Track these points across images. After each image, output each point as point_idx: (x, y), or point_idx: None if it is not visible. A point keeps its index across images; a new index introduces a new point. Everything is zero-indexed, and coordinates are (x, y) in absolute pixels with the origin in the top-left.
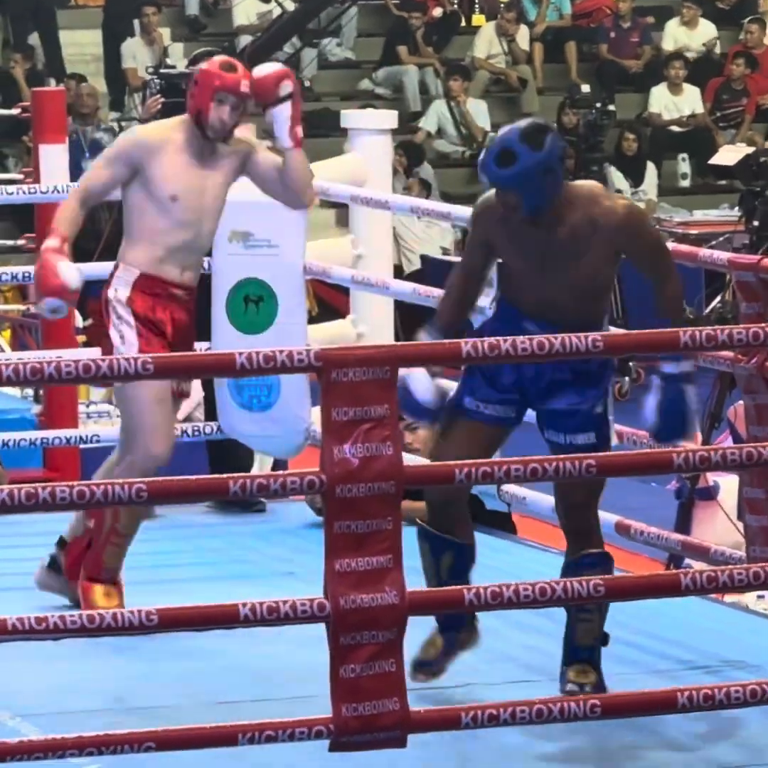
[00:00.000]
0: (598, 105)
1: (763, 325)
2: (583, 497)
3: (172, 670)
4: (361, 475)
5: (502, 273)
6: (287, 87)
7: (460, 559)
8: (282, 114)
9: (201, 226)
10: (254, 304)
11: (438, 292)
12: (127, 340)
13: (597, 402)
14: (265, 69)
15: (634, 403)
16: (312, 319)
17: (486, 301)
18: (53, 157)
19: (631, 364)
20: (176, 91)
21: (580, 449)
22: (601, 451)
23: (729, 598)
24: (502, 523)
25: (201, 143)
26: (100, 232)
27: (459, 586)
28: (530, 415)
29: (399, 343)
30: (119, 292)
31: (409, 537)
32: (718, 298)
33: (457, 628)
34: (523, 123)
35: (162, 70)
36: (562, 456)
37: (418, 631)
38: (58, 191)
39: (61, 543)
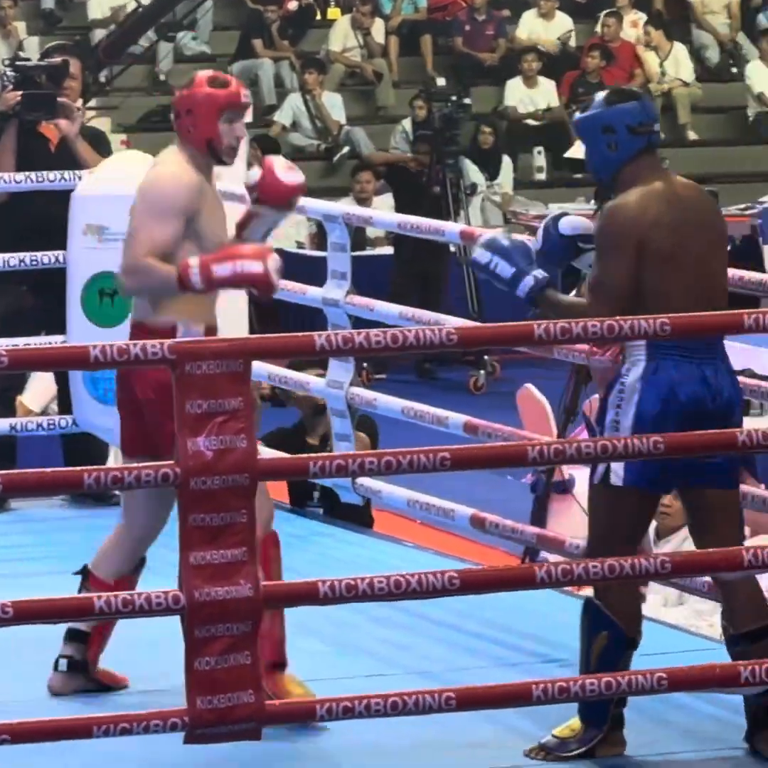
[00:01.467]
0: (454, 98)
1: (617, 318)
2: None
3: (27, 663)
4: (215, 468)
5: None
6: (297, 201)
7: (616, 646)
8: (276, 220)
9: None
10: (109, 297)
11: (292, 286)
12: None
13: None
14: (291, 176)
15: (489, 397)
16: None
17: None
18: None
19: (486, 357)
20: (32, 84)
21: None
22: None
23: (585, 591)
24: (358, 517)
25: (206, 169)
26: None
27: (314, 580)
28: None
29: (252, 336)
30: None
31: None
32: (574, 292)
33: (600, 726)
34: (626, 86)
35: (18, 63)
36: (415, 449)
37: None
38: None
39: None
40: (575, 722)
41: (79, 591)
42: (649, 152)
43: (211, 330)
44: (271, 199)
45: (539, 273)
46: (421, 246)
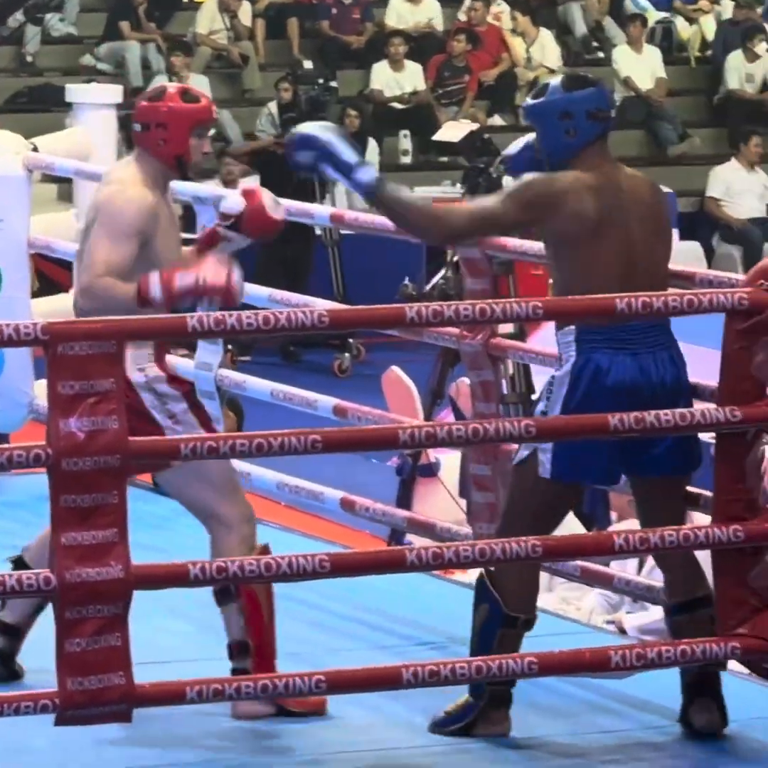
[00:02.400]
0: (320, 81)
1: (490, 301)
2: None
3: None
4: (86, 449)
5: None
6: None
7: (492, 621)
8: (241, 245)
9: None
10: None
11: None
12: (182, 419)
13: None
14: (278, 212)
15: (354, 380)
16: (33, 294)
17: None
18: None
19: (351, 340)
20: None
21: None
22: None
23: (457, 575)
24: None
25: (165, 184)
26: None
27: (184, 562)
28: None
29: (126, 317)
30: (147, 371)
31: (139, 509)
32: (440, 274)
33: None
34: (581, 72)
35: None
36: (287, 431)
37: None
38: None
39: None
40: (463, 698)
41: None
42: (602, 139)
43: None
44: (256, 233)
45: (373, 167)
46: (285, 229)
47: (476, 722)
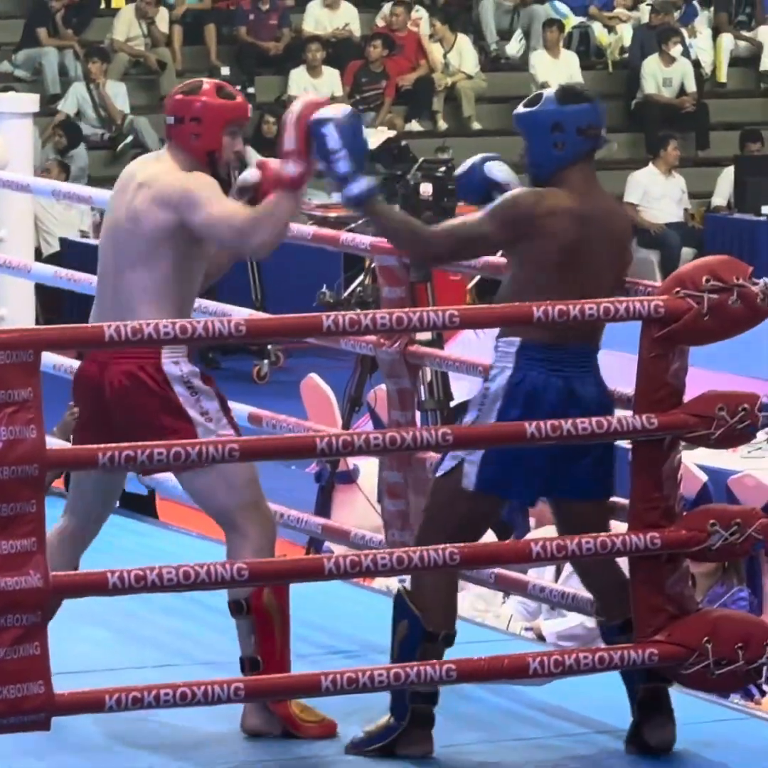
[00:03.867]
0: (238, 87)
1: (406, 309)
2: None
3: None
4: (4, 458)
5: None
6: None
7: (412, 637)
8: None
9: None
10: None
11: (79, 276)
12: (214, 417)
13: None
14: (290, 168)
15: (273, 386)
16: None
17: None
18: None
19: (269, 347)
20: None
21: None
22: None
23: (375, 582)
24: (142, 506)
25: None
26: None
27: (103, 570)
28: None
29: (43, 326)
30: (182, 365)
31: (56, 518)
32: (358, 281)
33: (401, 719)
34: (577, 85)
35: None
36: (204, 440)
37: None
38: None
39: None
40: (384, 718)
41: None
42: (589, 156)
43: None
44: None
45: (372, 180)
46: None
47: (397, 742)
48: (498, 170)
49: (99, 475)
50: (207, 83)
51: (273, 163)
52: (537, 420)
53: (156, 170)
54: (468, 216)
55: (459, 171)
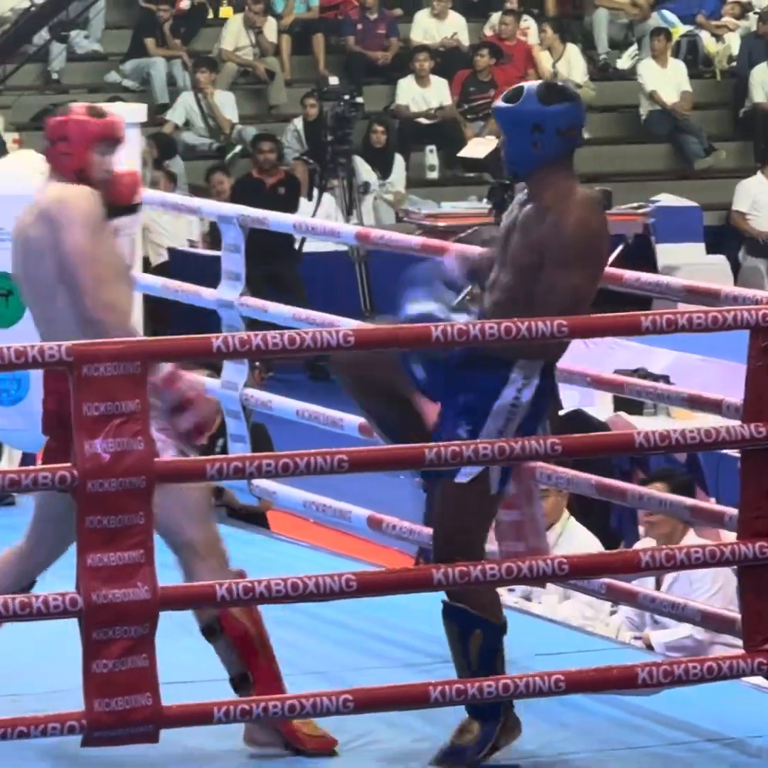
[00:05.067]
0: (346, 97)
1: (514, 320)
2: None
3: None
4: (112, 470)
5: None
6: (139, 196)
7: (493, 640)
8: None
9: None
10: (3, 298)
11: (187, 286)
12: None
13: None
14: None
15: None
16: None
17: None
18: None
19: None
20: None
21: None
22: None
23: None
24: (254, 518)
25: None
26: None
27: (211, 582)
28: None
29: (150, 338)
30: None
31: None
32: (466, 291)
33: (496, 717)
34: (560, 83)
35: None
36: (313, 451)
37: None
38: None
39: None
40: (469, 723)
41: None
42: (568, 157)
43: None
44: (116, 196)
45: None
46: (269, 247)
47: (499, 736)
48: (424, 307)
49: (60, 506)
50: (81, 105)
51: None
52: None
53: (44, 191)
54: (561, 282)
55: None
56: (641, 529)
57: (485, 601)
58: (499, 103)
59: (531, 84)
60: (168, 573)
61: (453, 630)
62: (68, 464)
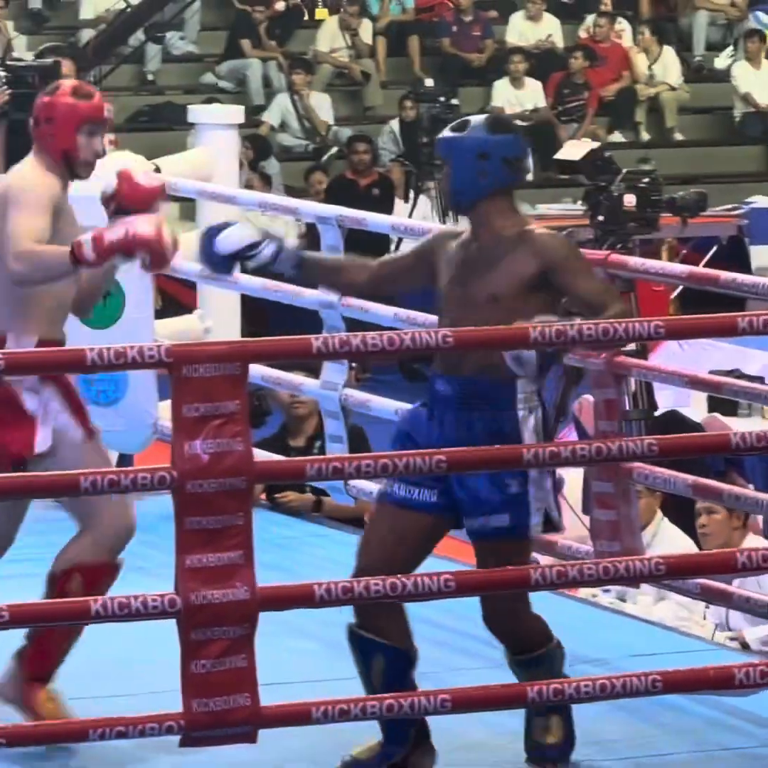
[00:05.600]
0: (442, 99)
1: (612, 321)
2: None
3: None
4: (211, 471)
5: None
6: (159, 204)
7: (392, 665)
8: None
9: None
10: (102, 298)
11: (285, 287)
12: (60, 422)
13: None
14: (149, 180)
15: None
16: (157, 314)
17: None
18: None
19: None
20: (23, 84)
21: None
22: (516, 535)
23: (580, 592)
24: (352, 519)
25: (63, 181)
26: None
27: (310, 582)
28: None
29: (250, 339)
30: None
31: (262, 529)
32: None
33: (403, 744)
34: (505, 115)
35: (9, 62)
36: (411, 452)
37: None
38: None
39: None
40: (373, 742)
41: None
42: (512, 188)
43: (52, 344)
44: (134, 204)
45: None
46: (364, 249)
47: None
48: (233, 241)
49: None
50: (66, 84)
51: (134, 172)
52: None
53: (16, 167)
54: (595, 276)
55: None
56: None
57: (393, 628)
58: (445, 133)
59: (477, 116)
60: (267, 574)
61: (356, 657)
62: (167, 465)
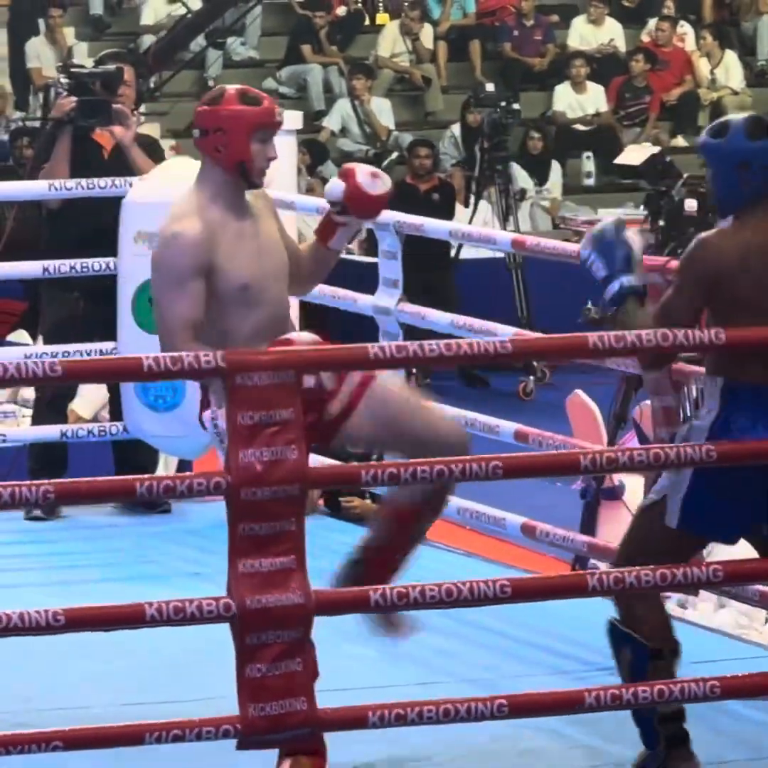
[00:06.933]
0: (503, 103)
1: (675, 330)
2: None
3: (79, 670)
4: (265, 479)
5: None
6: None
7: (639, 659)
8: (360, 226)
9: (277, 291)
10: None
11: (342, 292)
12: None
13: None
14: (377, 186)
15: (538, 402)
16: None
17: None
18: None
19: (536, 363)
20: (86, 90)
21: None
22: None
23: None
24: None
25: (232, 193)
26: (1, 231)
27: (364, 588)
28: None
29: (304, 347)
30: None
31: (317, 535)
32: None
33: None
34: (765, 117)
35: (72, 69)
36: (467, 458)
37: None
38: None
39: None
40: (639, 753)
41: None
42: None
43: None
44: (363, 212)
45: (628, 280)
46: (424, 255)
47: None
48: (631, 239)
49: None
50: (231, 90)
51: (358, 172)
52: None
53: (171, 211)
54: (664, 297)
55: (592, 241)
56: None
57: (646, 623)
58: (704, 137)
59: (736, 118)
60: (325, 579)
61: (610, 645)
62: (222, 471)
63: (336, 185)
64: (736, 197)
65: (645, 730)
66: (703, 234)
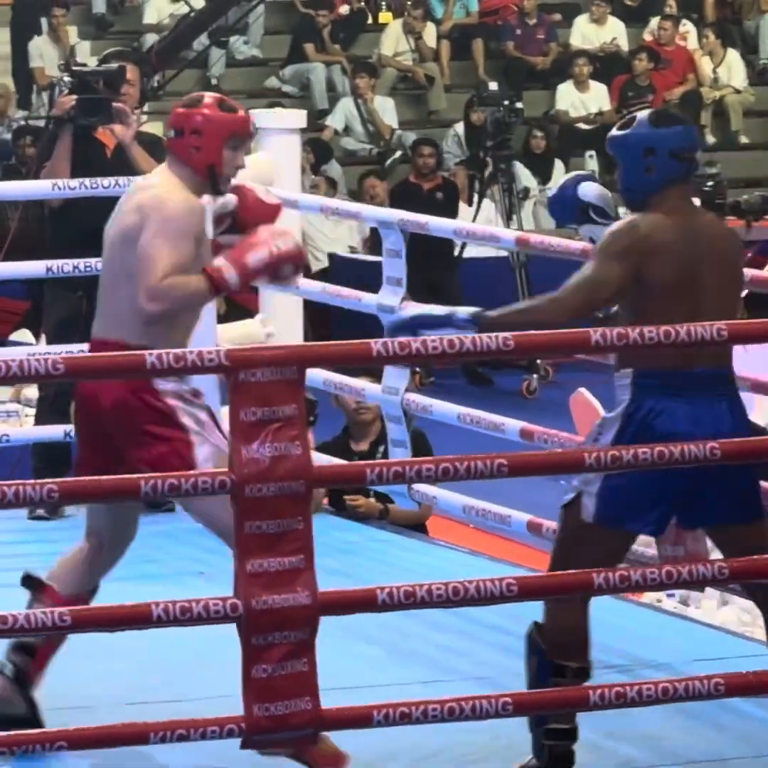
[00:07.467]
0: (506, 102)
1: (675, 323)
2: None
3: (84, 671)
4: (270, 475)
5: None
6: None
7: (542, 672)
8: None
9: None
10: None
11: (346, 292)
12: (206, 425)
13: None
14: (271, 198)
15: (542, 401)
16: (221, 318)
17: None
18: None
19: (539, 361)
20: (88, 89)
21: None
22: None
23: (644, 597)
24: (414, 525)
25: (199, 194)
26: (6, 231)
27: (372, 587)
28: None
29: (307, 343)
30: (172, 381)
31: (325, 534)
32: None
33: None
34: (671, 108)
35: (74, 68)
36: (472, 456)
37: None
38: None
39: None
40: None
41: (31, 604)
42: (684, 181)
43: None
44: (260, 220)
45: (464, 312)
46: (428, 253)
47: None
48: (590, 191)
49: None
50: (209, 97)
51: (254, 190)
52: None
53: (153, 180)
54: (583, 269)
55: (552, 192)
56: None
57: (557, 636)
58: (612, 132)
59: (643, 112)
60: (330, 578)
61: (525, 653)
62: (226, 469)
63: (226, 201)
64: (644, 184)
65: (535, 738)
66: (632, 215)
